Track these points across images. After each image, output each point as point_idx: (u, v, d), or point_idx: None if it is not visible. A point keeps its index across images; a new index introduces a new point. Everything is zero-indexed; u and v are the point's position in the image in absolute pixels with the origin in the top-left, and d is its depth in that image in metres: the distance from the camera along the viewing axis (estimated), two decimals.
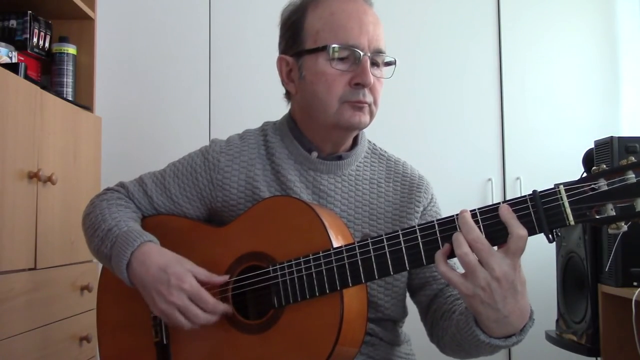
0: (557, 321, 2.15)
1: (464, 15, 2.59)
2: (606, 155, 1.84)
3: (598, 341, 1.90)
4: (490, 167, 2.55)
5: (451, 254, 1.00)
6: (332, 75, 1.19)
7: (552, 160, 2.50)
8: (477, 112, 2.56)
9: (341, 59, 1.19)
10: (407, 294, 1.33)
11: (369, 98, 1.20)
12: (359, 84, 1.18)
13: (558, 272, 2.15)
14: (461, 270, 0.99)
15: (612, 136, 1.84)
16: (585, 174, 1.93)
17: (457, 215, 1.00)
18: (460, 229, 0.98)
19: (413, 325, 1.36)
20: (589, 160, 1.94)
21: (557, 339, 2.10)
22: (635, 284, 1.79)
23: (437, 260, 1.00)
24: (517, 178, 2.53)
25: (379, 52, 1.21)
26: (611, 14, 2.60)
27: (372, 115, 1.24)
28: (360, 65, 1.18)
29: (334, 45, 1.18)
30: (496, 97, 2.57)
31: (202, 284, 1.14)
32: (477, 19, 2.59)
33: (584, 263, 1.97)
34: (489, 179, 2.54)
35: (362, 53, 1.18)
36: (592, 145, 1.94)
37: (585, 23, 2.60)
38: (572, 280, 2.07)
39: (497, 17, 2.59)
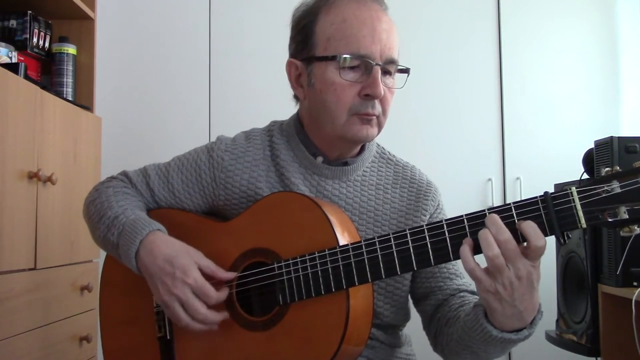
0: (557, 321, 2.15)
1: (463, 15, 2.59)
2: (606, 156, 1.84)
3: (598, 341, 1.90)
4: (490, 167, 2.55)
5: (475, 251, 0.99)
6: (341, 85, 1.16)
7: (552, 160, 2.50)
8: (477, 113, 2.56)
9: (352, 68, 1.16)
10: (411, 301, 1.32)
11: (377, 110, 1.18)
12: (368, 95, 1.16)
13: (558, 272, 2.15)
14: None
15: (612, 136, 1.84)
16: (585, 174, 1.94)
17: (467, 215, 1.00)
18: (489, 228, 0.96)
19: (414, 327, 1.36)
20: (589, 160, 1.94)
21: (557, 339, 2.10)
22: (635, 284, 1.79)
23: (464, 256, 0.98)
24: (517, 178, 2.53)
25: (391, 61, 1.18)
26: (611, 14, 2.60)
27: (380, 126, 1.21)
28: (371, 75, 1.15)
29: (344, 56, 1.15)
30: (496, 97, 2.57)
31: (208, 278, 1.13)
32: (477, 19, 2.60)
33: (584, 263, 1.97)
34: (489, 179, 2.54)
35: (373, 63, 1.15)
36: (592, 145, 1.94)
37: (585, 23, 2.60)
38: (572, 280, 2.07)
39: (497, 17, 2.59)
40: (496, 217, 0.97)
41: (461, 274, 1.26)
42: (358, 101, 1.17)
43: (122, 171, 1.35)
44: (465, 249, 0.99)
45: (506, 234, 0.95)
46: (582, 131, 2.51)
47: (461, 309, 1.18)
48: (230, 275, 1.15)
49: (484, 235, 0.97)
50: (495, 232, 0.96)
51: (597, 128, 2.48)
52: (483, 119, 2.57)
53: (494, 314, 1.01)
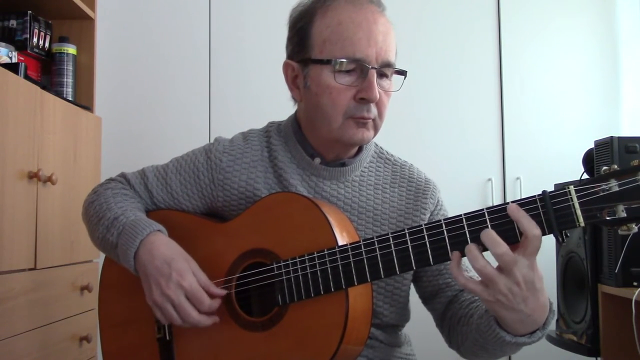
0: (557, 321, 2.14)
1: (463, 15, 2.59)
2: (606, 155, 1.84)
3: (598, 341, 1.90)
4: (490, 167, 2.55)
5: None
6: (336, 89, 1.16)
7: (552, 160, 2.50)
8: (477, 113, 2.56)
9: (347, 72, 1.15)
10: (420, 301, 1.32)
11: (373, 113, 1.17)
12: (364, 98, 1.15)
13: (558, 272, 2.15)
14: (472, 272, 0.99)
15: (612, 136, 1.84)
16: (585, 174, 1.94)
17: (465, 214, 1.00)
18: (485, 244, 0.97)
19: (414, 326, 1.36)
20: (589, 160, 1.94)
21: (557, 339, 2.10)
22: (635, 284, 1.79)
23: (454, 272, 1.00)
24: (517, 178, 2.53)
25: (387, 64, 1.17)
26: (611, 13, 2.60)
27: (376, 129, 1.21)
28: (366, 79, 1.14)
29: (340, 60, 1.14)
30: (496, 97, 2.57)
31: None
32: (477, 19, 2.60)
33: (584, 263, 1.97)
34: (489, 179, 2.54)
35: (368, 66, 1.14)
36: (592, 145, 1.94)
37: (585, 23, 2.60)
38: (572, 280, 2.07)
39: (497, 17, 2.59)
40: (492, 232, 0.96)
41: (468, 267, 1.25)
42: (353, 105, 1.16)
43: (121, 173, 1.35)
44: (453, 265, 1.00)
45: (502, 247, 0.95)
46: (582, 131, 2.51)
47: (472, 305, 1.18)
48: (221, 292, 1.15)
49: (469, 249, 0.97)
50: (492, 245, 0.96)
51: (597, 128, 2.48)
52: (483, 119, 2.56)
53: (503, 321, 1.01)
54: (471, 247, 0.97)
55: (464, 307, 1.20)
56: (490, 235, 0.96)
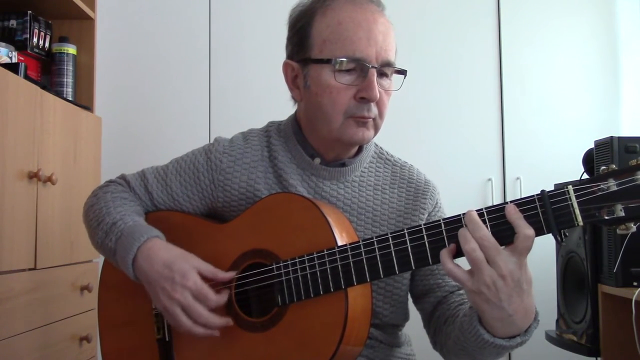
0: (557, 321, 2.15)
1: (463, 15, 2.60)
2: (606, 155, 1.84)
3: (598, 341, 1.90)
4: (490, 167, 2.55)
5: (457, 254, 1.00)
6: (336, 88, 1.16)
7: (552, 160, 2.50)
8: (477, 113, 2.56)
9: (347, 71, 1.15)
10: (410, 300, 1.32)
11: (373, 112, 1.17)
12: (364, 98, 1.16)
13: (558, 272, 2.15)
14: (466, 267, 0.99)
15: (612, 136, 1.84)
16: (585, 174, 1.94)
17: (463, 214, 1.00)
18: (466, 226, 0.98)
19: (414, 327, 1.36)
20: (589, 160, 1.94)
21: (557, 339, 2.10)
22: (635, 284, 1.78)
23: (442, 258, 1.00)
24: (517, 178, 2.53)
25: (387, 64, 1.17)
26: (611, 14, 2.60)
27: (376, 129, 1.21)
28: (366, 78, 1.14)
29: (340, 59, 1.14)
30: (496, 97, 2.57)
31: (207, 280, 1.13)
32: (477, 18, 2.60)
33: (584, 263, 1.97)
34: (489, 179, 2.54)
35: (369, 66, 1.14)
36: (592, 145, 1.94)
37: (585, 23, 2.60)
38: (572, 280, 2.07)
39: (497, 17, 2.59)
40: (474, 214, 0.98)
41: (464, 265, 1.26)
42: (354, 104, 1.16)
43: (121, 175, 1.35)
44: (444, 251, 1.00)
45: (482, 231, 0.96)
46: (582, 131, 2.51)
47: (460, 307, 1.18)
48: (230, 275, 1.15)
49: (462, 231, 0.98)
50: (472, 229, 0.96)
51: (597, 128, 2.48)
52: (483, 119, 2.57)
53: (483, 317, 1.01)
54: (464, 231, 0.98)
55: (451, 309, 1.20)
56: (472, 217, 0.97)
